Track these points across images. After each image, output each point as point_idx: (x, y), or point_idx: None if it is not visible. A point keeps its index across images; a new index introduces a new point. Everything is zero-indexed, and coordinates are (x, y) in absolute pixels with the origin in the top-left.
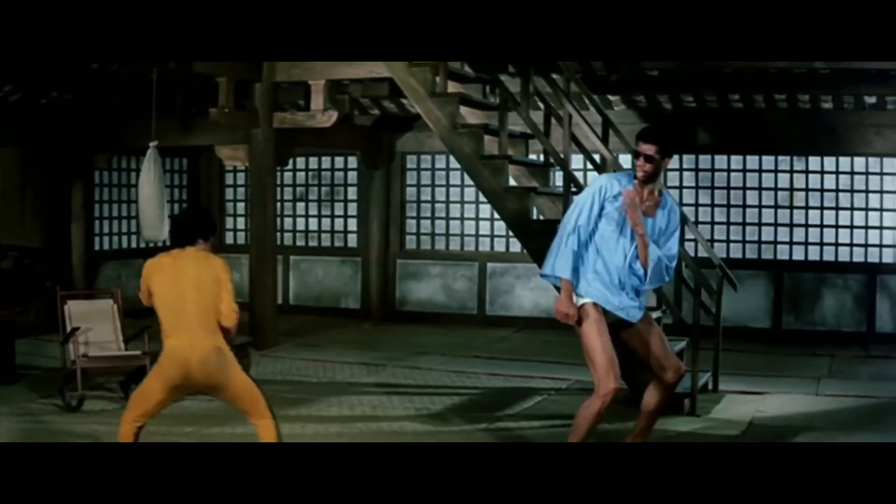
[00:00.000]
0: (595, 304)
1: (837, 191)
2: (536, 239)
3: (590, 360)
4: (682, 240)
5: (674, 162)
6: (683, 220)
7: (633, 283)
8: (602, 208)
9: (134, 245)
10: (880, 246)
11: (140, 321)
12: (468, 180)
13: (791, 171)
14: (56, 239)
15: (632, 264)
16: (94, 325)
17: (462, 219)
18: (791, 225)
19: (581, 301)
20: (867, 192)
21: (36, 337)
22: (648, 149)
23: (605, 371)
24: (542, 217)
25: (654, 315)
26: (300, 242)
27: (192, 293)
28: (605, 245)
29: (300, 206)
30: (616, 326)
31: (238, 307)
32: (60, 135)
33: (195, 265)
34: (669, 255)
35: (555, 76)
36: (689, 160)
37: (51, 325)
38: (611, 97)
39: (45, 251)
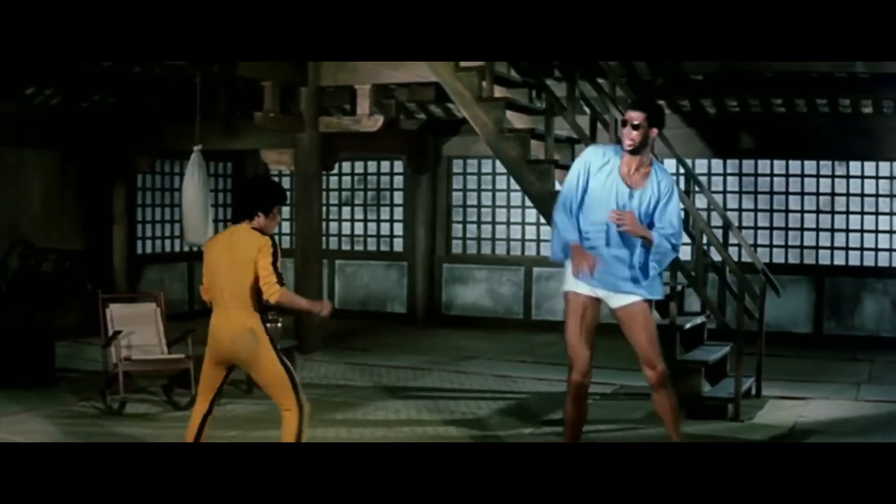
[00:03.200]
0: (576, 294)
1: (877, 196)
2: None
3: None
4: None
5: (717, 167)
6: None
7: (621, 255)
8: (587, 182)
9: (177, 249)
10: None
11: (183, 324)
12: (514, 184)
13: (832, 176)
14: (98, 242)
15: (623, 237)
16: (137, 329)
17: (508, 223)
18: (832, 230)
19: (564, 288)
20: None
21: (76, 340)
22: (636, 116)
23: (570, 364)
24: None
25: (698, 320)
26: (346, 247)
27: (228, 271)
28: (589, 216)
29: (346, 210)
30: (615, 312)
31: (279, 280)
32: (102, 138)
33: (237, 243)
34: (667, 232)
35: (600, 80)
36: (732, 165)
37: (91, 329)
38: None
39: (85, 254)
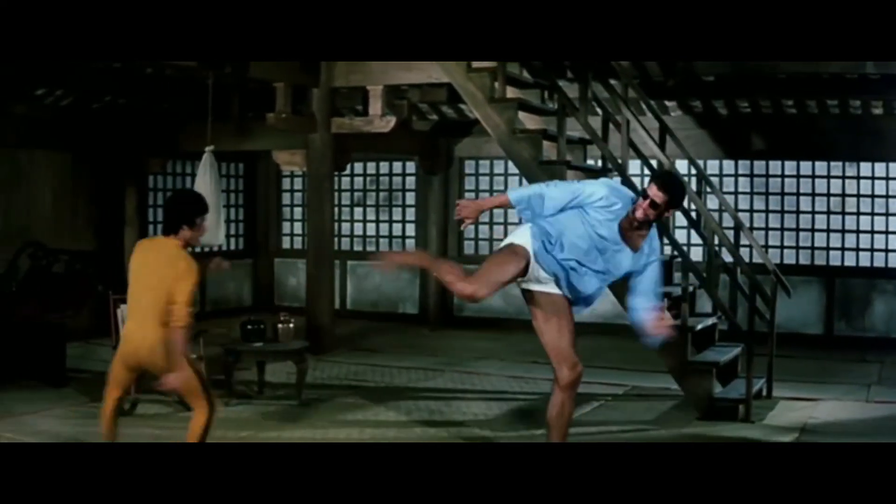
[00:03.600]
0: (524, 248)
1: (888, 197)
2: None
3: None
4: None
5: (729, 168)
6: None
7: (571, 283)
8: (583, 210)
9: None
10: None
11: (194, 325)
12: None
13: (843, 177)
14: (109, 243)
15: (578, 281)
16: None
17: (520, 224)
18: (843, 231)
19: (513, 240)
20: None
21: (87, 341)
22: (659, 197)
23: (450, 276)
24: None
25: (710, 321)
26: (357, 247)
27: (151, 285)
28: (565, 238)
29: (358, 211)
30: (533, 295)
31: (189, 314)
32: (113, 139)
33: (166, 260)
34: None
35: (612, 81)
36: (744, 166)
37: (102, 329)
38: (667, 103)
39: (96, 255)
